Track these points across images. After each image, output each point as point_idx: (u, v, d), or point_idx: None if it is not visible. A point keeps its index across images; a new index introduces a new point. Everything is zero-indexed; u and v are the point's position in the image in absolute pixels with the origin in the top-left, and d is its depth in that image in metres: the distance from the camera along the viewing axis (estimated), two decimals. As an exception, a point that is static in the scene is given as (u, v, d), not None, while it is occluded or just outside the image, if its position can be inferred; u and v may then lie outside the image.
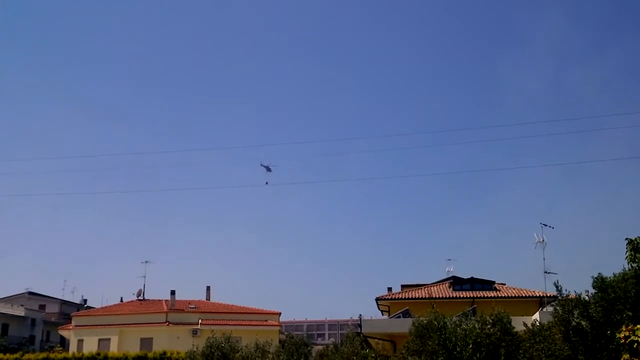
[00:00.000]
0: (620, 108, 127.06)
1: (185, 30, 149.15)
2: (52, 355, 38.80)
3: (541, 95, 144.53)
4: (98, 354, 37.95)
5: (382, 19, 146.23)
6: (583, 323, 15.79)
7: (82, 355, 38.39)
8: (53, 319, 79.50)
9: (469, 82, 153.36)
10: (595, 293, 15.70)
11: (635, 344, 9.91)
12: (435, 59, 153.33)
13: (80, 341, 49.34)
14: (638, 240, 15.18)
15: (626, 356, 9.96)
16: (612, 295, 15.28)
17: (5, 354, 41.18)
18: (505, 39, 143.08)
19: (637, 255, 15.99)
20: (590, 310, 15.48)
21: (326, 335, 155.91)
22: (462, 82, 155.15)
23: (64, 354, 40.58)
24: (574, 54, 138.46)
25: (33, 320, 77.81)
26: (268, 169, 48.38)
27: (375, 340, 31.12)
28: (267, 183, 50.54)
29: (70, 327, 52.96)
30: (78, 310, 75.12)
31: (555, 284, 16.58)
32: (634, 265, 15.84)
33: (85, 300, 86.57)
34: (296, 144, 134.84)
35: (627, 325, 10.27)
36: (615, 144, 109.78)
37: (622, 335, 10.14)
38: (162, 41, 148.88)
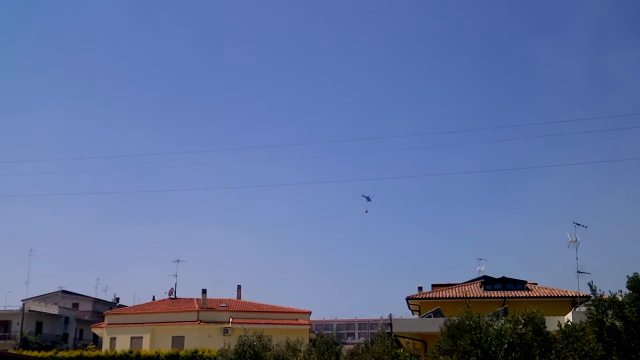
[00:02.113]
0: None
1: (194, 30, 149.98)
2: (85, 353, 39.37)
3: (577, 83, 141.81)
4: (130, 352, 38.37)
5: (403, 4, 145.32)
6: (617, 323, 15.64)
7: (115, 353, 38.86)
8: (86, 317, 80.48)
9: (502, 72, 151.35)
10: (630, 293, 15.54)
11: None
12: (462, 48, 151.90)
13: (112, 339, 49.88)
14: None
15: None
16: (647, 295, 15.13)
17: (39, 352, 41.79)
18: (539, 24, 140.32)
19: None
20: (624, 311, 15.34)
21: (356, 335, 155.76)
22: (495, 72, 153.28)
23: (97, 352, 41.14)
24: (611, 38, 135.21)
25: (66, 319, 78.85)
26: (368, 199, 51.98)
27: (406, 339, 31.05)
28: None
29: (103, 325, 53.58)
30: (110, 308, 76.03)
31: (589, 284, 16.47)
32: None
33: (117, 299, 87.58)
34: (318, 144, 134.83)
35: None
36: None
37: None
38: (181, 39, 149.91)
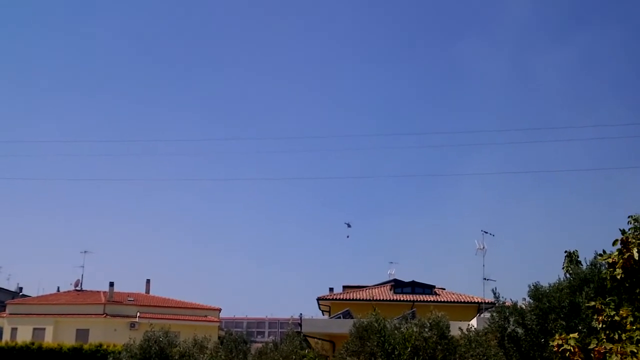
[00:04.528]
0: (580, 106, 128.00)
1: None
2: (-17, 344, 37.90)
3: (501, 87, 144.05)
4: (32, 343, 37.18)
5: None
6: (518, 330, 16.15)
7: (16, 344, 37.57)
8: (-14, 306, 77.67)
9: (425, 76, 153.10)
10: (532, 302, 16.09)
11: (568, 353, 10.18)
12: (382, 50, 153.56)
13: (14, 330, 48.34)
14: (575, 254, 15.59)
15: (558, 364, 10.27)
16: (547, 304, 15.69)
17: None
18: (463, 24, 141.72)
19: (571, 266, 16.42)
20: (525, 319, 15.86)
21: (266, 334, 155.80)
22: (417, 77, 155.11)
23: (-4, 343, 39.71)
24: (537, 40, 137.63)
25: (-35, 307, 75.91)
26: (349, 226, 54.67)
27: (315, 339, 31.24)
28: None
29: (4, 315, 51.82)
30: (13, 298, 73.48)
31: (493, 290, 16.98)
32: (569, 276, 16.27)
33: (20, 288, 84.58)
34: (238, 140, 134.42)
35: (560, 334, 10.57)
36: (566, 154, 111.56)
37: (555, 343, 10.41)
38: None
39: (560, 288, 15.85)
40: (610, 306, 10.31)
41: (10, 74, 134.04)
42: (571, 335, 10.56)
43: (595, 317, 10.46)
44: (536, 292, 15.94)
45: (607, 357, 9.80)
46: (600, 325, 10.26)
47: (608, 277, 10.51)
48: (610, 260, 10.41)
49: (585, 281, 15.39)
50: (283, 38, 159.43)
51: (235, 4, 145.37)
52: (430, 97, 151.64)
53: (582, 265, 16.18)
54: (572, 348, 10.25)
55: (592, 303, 10.57)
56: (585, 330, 13.33)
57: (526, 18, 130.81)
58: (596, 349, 9.99)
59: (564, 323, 14.96)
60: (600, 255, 10.92)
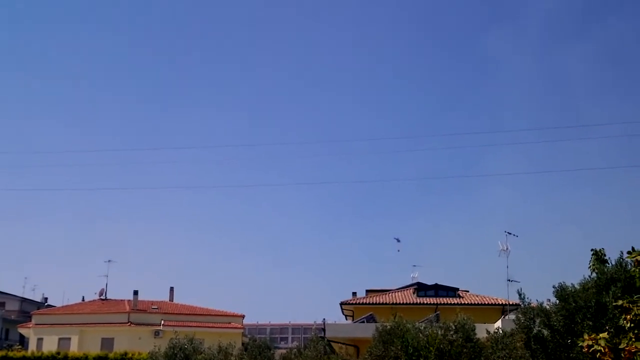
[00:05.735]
0: (606, 103, 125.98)
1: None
2: (10, 354, 38.20)
3: (528, 81, 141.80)
4: (58, 353, 37.49)
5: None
6: (544, 331, 15.98)
7: (42, 354, 37.89)
8: (12, 317, 78.20)
9: (447, 74, 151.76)
10: (558, 302, 15.91)
11: (598, 353, 10.05)
12: (404, 50, 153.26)
13: (40, 340, 48.69)
14: (602, 252, 15.40)
15: (587, 365, 10.14)
16: (573, 304, 15.50)
17: (-38, 352, 40.40)
18: (487, 19, 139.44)
19: (598, 265, 16.23)
20: (551, 319, 15.68)
21: (289, 339, 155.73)
22: (438, 75, 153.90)
23: (22, 353, 39.99)
24: (563, 34, 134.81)
25: (-9, 318, 76.56)
26: (398, 240, 58.22)
27: (339, 344, 31.16)
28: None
29: (30, 325, 52.23)
30: (38, 308, 74.04)
31: (518, 291, 16.83)
32: (595, 275, 16.08)
33: (46, 299, 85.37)
34: (256, 145, 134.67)
35: (589, 334, 10.44)
36: (589, 152, 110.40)
37: (585, 344, 10.29)
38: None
39: (587, 287, 15.65)
40: (638, 304, 10.16)
41: (42, 80, 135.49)
42: (601, 335, 10.44)
43: (623, 316, 10.31)
44: (562, 292, 15.76)
45: (638, 357, 9.66)
46: (629, 325, 10.11)
47: (637, 275, 10.37)
48: (639, 258, 10.27)
49: (612, 280, 15.18)
50: (306, 41, 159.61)
51: (266, 7, 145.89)
52: (453, 97, 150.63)
53: (608, 264, 15.98)
54: (602, 348, 10.11)
55: (620, 302, 10.42)
56: (612, 330, 13.16)
57: (552, 11, 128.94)
58: (627, 348, 9.85)
59: (590, 323, 14.76)
60: (629, 253, 10.77)
